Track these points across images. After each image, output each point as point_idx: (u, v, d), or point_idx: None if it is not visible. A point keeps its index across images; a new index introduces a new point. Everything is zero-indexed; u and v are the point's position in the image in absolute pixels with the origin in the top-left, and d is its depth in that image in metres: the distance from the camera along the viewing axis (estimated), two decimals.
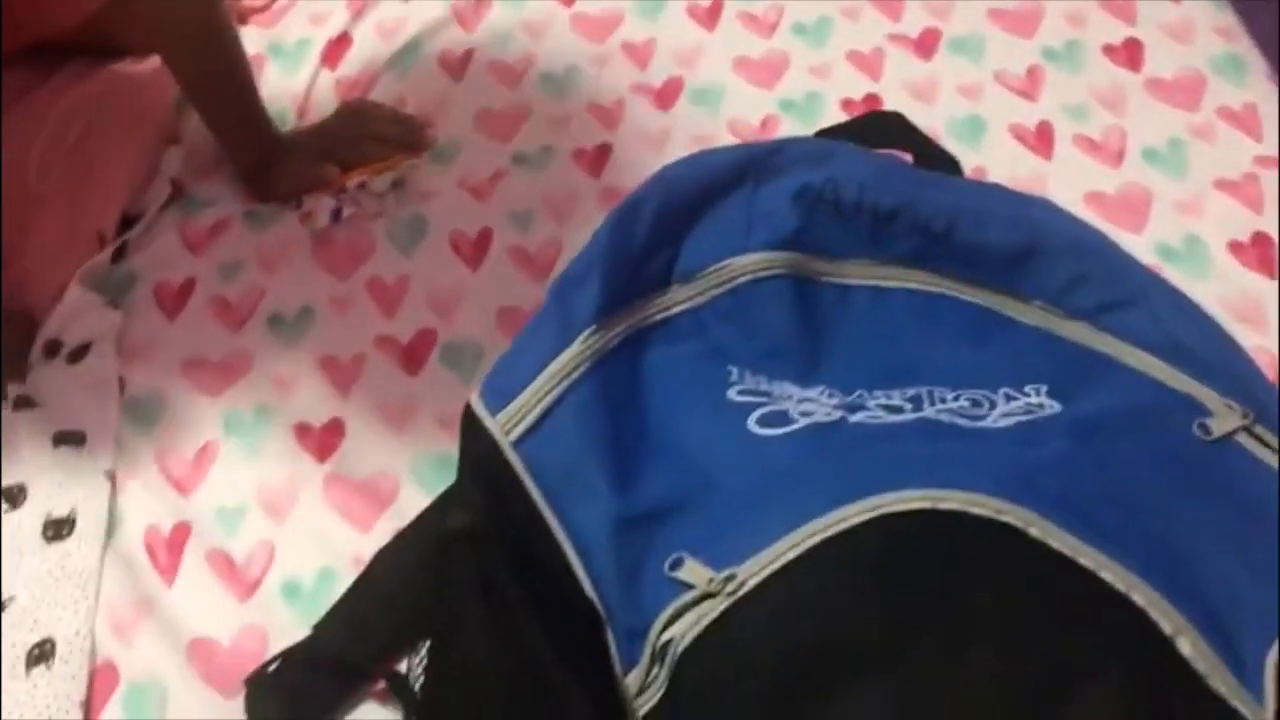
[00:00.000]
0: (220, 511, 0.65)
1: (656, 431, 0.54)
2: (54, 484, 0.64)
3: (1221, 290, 0.71)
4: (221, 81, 0.79)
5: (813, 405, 0.55)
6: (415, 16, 0.92)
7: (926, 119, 0.81)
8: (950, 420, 0.53)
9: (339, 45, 0.91)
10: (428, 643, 0.55)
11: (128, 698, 0.58)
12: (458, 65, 0.89)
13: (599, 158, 0.82)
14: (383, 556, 0.61)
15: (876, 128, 0.75)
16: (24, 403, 0.69)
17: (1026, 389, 0.55)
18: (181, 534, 0.64)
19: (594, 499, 0.50)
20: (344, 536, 0.64)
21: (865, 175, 0.62)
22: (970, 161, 0.78)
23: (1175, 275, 0.65)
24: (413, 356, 0.72)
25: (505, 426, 0.53)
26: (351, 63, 0.90)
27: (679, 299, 0.59)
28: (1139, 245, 0.73)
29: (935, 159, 0.74)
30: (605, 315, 0.56)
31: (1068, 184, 0.78)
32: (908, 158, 0.72)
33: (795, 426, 0.53)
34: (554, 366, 0.54)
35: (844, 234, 0.61)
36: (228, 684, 0.58)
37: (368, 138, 0.81)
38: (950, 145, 0.78)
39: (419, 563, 0.59)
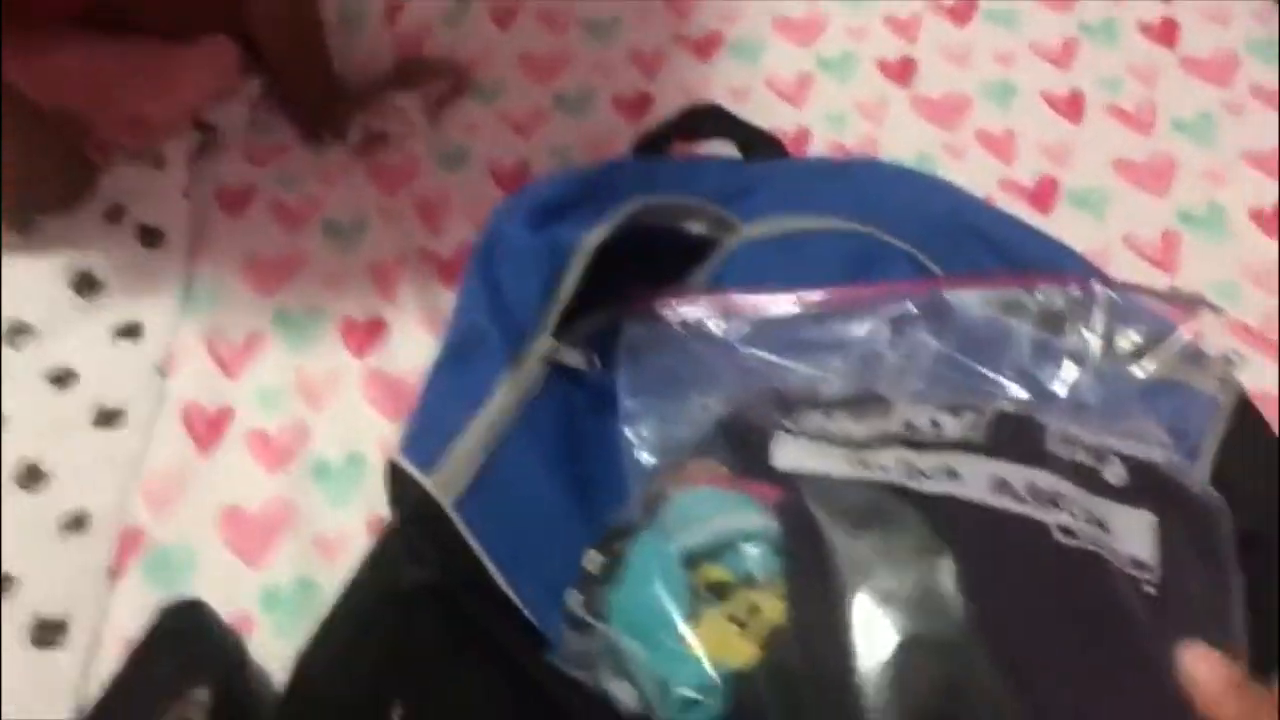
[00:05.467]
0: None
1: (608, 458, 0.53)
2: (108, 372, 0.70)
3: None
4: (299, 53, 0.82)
5: None
6: None
7: None
8: None
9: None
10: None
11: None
12: None
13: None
14: (312, 656, 0.52)
15: (695, 122, 0.76)
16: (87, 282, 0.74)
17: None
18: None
19: (548, 563, 0.48)
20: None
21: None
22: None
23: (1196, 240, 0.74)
24: (452, 271, 0.76)
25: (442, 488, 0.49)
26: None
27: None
28: (1162, 209, 0.77)
29: (759, 144, 0.75)
30: (517, 358, 0.54)
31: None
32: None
33: None
34: (479, 423, 0.51)
35: None
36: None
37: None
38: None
39: (361, 629, 0.53)
